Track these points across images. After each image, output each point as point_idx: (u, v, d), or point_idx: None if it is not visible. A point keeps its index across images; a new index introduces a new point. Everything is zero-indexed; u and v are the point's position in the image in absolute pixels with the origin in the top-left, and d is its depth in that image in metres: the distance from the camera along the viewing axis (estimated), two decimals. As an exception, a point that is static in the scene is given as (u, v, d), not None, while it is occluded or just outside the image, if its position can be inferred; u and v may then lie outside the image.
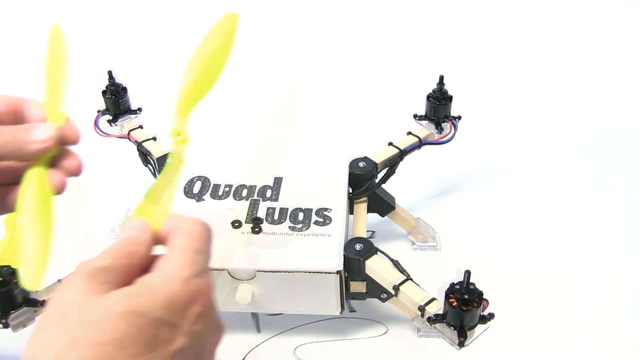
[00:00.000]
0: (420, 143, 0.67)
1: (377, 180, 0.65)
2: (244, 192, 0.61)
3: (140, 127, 0.70)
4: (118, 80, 0.70)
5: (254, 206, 0.60)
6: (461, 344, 0.48)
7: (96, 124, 0.69)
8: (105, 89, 0.69)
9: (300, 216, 0.58)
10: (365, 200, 0.65)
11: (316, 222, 0.58)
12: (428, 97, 0.67)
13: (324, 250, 0.55)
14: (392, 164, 0.66)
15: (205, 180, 0.63)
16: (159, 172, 0.65)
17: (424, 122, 0.68)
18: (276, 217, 0.58)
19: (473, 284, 0.47)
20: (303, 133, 0.92)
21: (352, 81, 1.04)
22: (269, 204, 0.60)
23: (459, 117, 0.68)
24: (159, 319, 0.30)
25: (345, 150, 0.77)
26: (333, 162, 0.64)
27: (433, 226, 0.72)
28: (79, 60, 1.17)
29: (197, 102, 0.40)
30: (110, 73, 0.69)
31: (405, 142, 0.66)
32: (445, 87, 0.66)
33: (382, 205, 0.68)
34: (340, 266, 0.53)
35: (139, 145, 0.68)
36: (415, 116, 0.68)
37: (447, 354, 0.59)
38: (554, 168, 0.84)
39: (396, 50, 1.12)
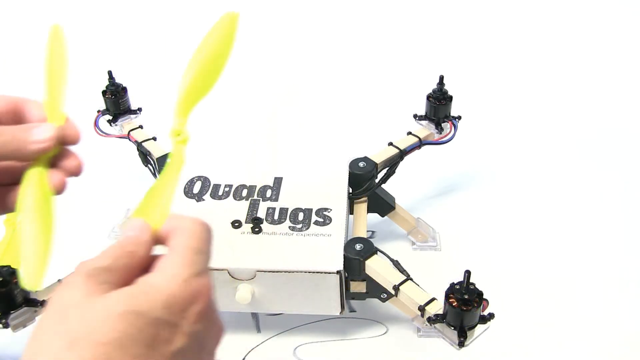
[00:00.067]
0: (420, 143, 0.67)
1: (377, 180, 0.65)
2: (244, 192, 0.61)
3: (140, 127, 0.70)
4: (118, 80, 0.70)
5: (254, 206, 0.60)
6: (461, 344, 0.48)
7: (96, 124, 0.69)
8: (105, 89, 0.69)
9: (300, 216, 0.58)
10: (365, 200, 0.65)
11: (316, 222, 0.58)
12: (428, 97, 0.67)
13: (324, 251, 0.55)
14: (392, 164, 0.66)
15: (205, 180, 0.63)
16: (159, 172, 0.65)
17: (424, 122, 0.68)
18: (276, 217, 0.58)
19: (473, 284, 0.47)
20: (303, 133, 0.92)
21: (352, 81, 1.04)
22: (269, 204, 0.60)
23: (459, 117, 0.68)
24: (159, 319, 0.30)
25: (345, 150, 0.77)
26: (333, 162, 0.64)
27: (433, 226, 0.72)
28: (79, 60, 1.17)
29: (197, 102, 0.40)
30: (110, 73, 0.69)
31: (405, 142, 0.66)
32: (445, 87, 0.66)
33: (382, 205, 0.67)
34: (340, 266, 0.53)
35: (139, 145, 0.68)
36: (415, 116, 0.68)
37: (447, 354, 0.59)
38: (554, 168, 0.83)
39: (396, 50, 1.12)
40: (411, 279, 0.54)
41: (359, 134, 0.89)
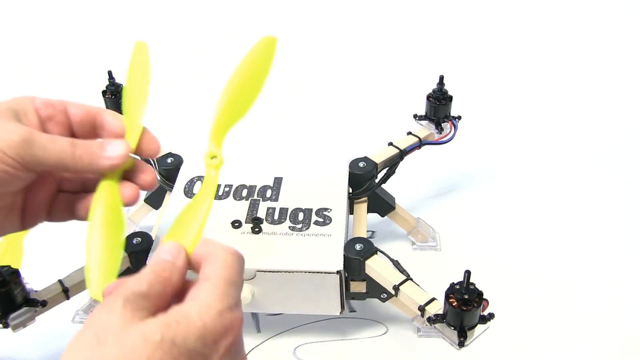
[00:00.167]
0: (420, 143, 0.67)
1: (377, 180, 0.65)
2: (244, 192, 0.61)
3: (140, 127, 0.70)
4: (118, 80, 0.70)
5: (254, 206, 0.60)
6: (461, 344, 0.48)
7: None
8: (105, 89, 0.69)
9: (300, 216, 0.58)
10: (365, 200, 0.65)
11: (316, 222, 0.58)
12: (428, 97, 0.67)
13: (324, 250, 0.55)
14: (392, 164, 0.66)
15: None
16: (159, 172, 0.65)
17: (424, 122, 0.68)
18: (276, 217, 0.58)
19: (473, 284, 0.47)
20: (303, 133, 0.92)
21: (352, 81, 1.04)
22: (269, 204, 0.60)
23: (459, 117, 0.68)
24: (192, 350, 0.30)
25: (345, 150, 0.77)
26: (333, 162, 0.64)
27: (433, 226, 0.72)
28: (79, 60, 1.17)
29: (233, 125, 0.40)
30: (110, 73, 0.69)
31: (405, 142, 0.66)
32: (445, 87, 0.66)
33: (382, 205, 0.68)
34: (340, 266, 0.53)
35: (139, 145, 0.67)
36: (415, 116, 0.68)
37: (447, 354, 0.59)
38: (554, 168, 0.83)
39: (396, 50, 1.12)
40: (411, 279, 0.54)
41: (359, 134, 0.89)
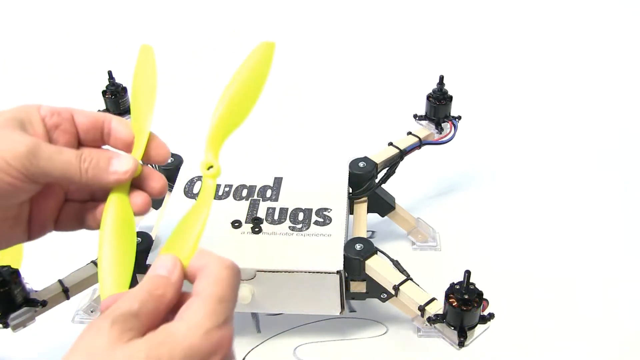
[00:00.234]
0: (420, 143, 0.67)
1: (377, 180, 0.65)
2: (244, 192, 0.61)
3: (140, 127, 0.70)
4: (118, 80, 0.70)
5: (254, 206, 0.60)
6: (461, 344, 0.48)
7: (96, 124, 0.69)
8: (105, 89, 0.69)
9: (300, 216, 0.58)
10: (365, 200, 0.65)
11: (316, 222, 0.58)
12: (428, 97, 0.67)
13: (324, 250, 0.55)
14: (392, 164, 0.66)
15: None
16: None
17: (424, 122, 0.68)
18: (276, 217, 0.58)
19: (473, 284, 0.47)
20: (303, 133, 0.92)
21: (352, 81, 1.04)
22: (269, 204, 0.60)
23: (459, 117, 0.68)
24: None
25: (345, 150, 0.77)
26: (333, 162, 0.64)
27: (433, 226, 0.72)
28: (79, 60, 1.17)
29: (230, 134, 0.39)
30: (110, 73, 0.69)
31: (405, 142, 0.66)
32: (445, 87, 0.66)
33: (382, 205, 0.68)
34: (340, 266, 0.53)
35: (139, 145, 0.68)
36: (415, 116, 0.68)
37: (447, 354, 0.59)
38: (554, 168, 0.84)
39: (396, 50, 1.12)
40: (411, 279, 0.54)
41: (359, 134, 0.89)
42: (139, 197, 0.41)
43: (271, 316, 0.64)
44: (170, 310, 0.33)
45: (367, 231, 0.64)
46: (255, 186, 0.62)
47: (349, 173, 0.63)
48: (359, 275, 0.56)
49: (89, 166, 0.38)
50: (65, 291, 0.54)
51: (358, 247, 0.55)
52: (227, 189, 0.62)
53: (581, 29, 1.15)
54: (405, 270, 0.56)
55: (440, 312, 0.50)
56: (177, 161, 0.65)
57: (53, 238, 0.43)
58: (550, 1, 1.22)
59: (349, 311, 0.65)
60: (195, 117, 0.91)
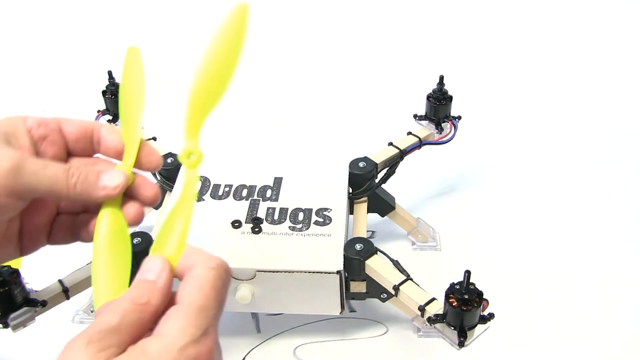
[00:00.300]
0: (420, 143, 0.67)
1: (377, 180, 0.65)
2: (244, 192, 0.61)
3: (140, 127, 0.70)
4: (118, 80, 0.70)
5: (254, 206, 0.60)
6: (461, 344, 0.48)
7: (96, 124, 0.69)
8: (105, 89, 0.69)
9: (300, 216, 0.58)
10: (365, 200, 0.65)
11: (316, 222, 0.58)
12: (428, 97, 0.67)
13: (324, 250, 0.55)
14: (392, 164, 0.66)
15: (205, 180, 0.63)
16: (159, 173, 0.65)
17: (424, 122, 0.68)
18: (276, 217, 0.58)
19: (473, 284, 0.47)
20: (303, 133, 0.92)
21: (352, 81, 1.04)
22: (269, 204, 0.60)
23: (459, 117, 0.68)
24: None
25: (345, 150, 0.77)
26: (333, 162, 0.64)
27: (433, 226, 0.72)
28: (79, 60, 1.17)
29: (208, 115, 0.36)
30: (110, 73, 0.69)
31: (405, 142, 0.66)
32: (445, 87, 0.66)
33: (382, 205, 0.67)
34: (340, 266, 0.53)
35: (139, 145, 0.67)
36: (415, 116, 0.68)
37: (447, 354, 0.59)
38: (554, 168, 0.84)
39: (396, 50, 1.12)
40: (411, 279, 0.54)
41: (359, 134, 0.89)
42: (132, 208, 0.39)
43: (271, 316, 0.64)
44: (159, 315, 0.31)
45: (367, 231, 0.64)
46: (255, 186, 0.62)
47: (349, 173, 0.63)
48: (359, 275, 0.56)
49: (77, 181, 0.37)
50: (65, 291, 0.53)
51: (358, 247, 0.55)
52: (227, 189, 0.62)
53: (581, 29, 1.15)
54: (405, 270, 0.56)
55: (440, 312, 0.50)
56: (177, 161, 0.65)
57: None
58: (550, 1, 1.22)
59: (349, 311, 0.65)
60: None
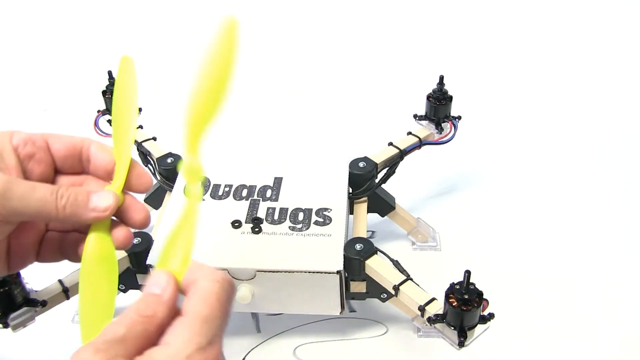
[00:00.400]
0: (421, 143, 0.67)
1: (377, 180, 0.65)
2: (244, 192, 0.61)
3: (140, 127, 0.70)
4: (118, 80, 0.70)
5: (254, 206, 0.60)
6: (461, 344, 0.48)
7: (96, 124, 0.69)
8: (105, 89, 0.69)
9: (300, 216, 0.58)
10: (365, 200, 0.65)
11: (316, 222, 0.58)
12: (428, 97, 0.67)
13: (324, 250, 0.55)
14: (392, 164, 0.66)
15: (205, 180, 0.63)
16: (159, 173, 0.65)
17: (424, 122, 0.68)
18: (276, 217, 0.58)
19: (473, 284, 0.47)
20: (303, 133, 0.92)
21: (352, 81, 1.04)
22: (269, 204, 0.60)
23: (459, 117, 0.68)
24: None
25: (345, 150, 0.77)
26: (333, 162, 0.64)
27: (433, 226, 0.72)
28: (79, 60, 1.17)
29: (207, 128, 0.36)
30: (110, 73, 0.69)
31: (405, 142, 0.66)
32: (445, 87, 0.66)
33: (382, 205, 0.68)
34: (340, 266, 0.53)
35: (139, 145, 0.68)
36: (415, 116, 0.68)
37: (447, 354, 0.59)
38: (554, 168, 0.84)
39: (396, 50, 1.12)
40: (411, 279, 0.54)
41: (359, 134, 0.89)
42: (121, 232, 0.39)
43: (271, 316, 0.64)
44: (164, 328, 0.31)
45: (367, 231, 0.64)
46: (255, 186, 0.62)
47: (349, 173, 0.63)
48: (359, 275, 0.56)
49: (67, 203, 0.36)
50: (65, 291, 0.53)
51: (358, 247, 0.55)
52: (227, 189, 0.62)
53: (581, 29, 1.15)
54: (405, 270, 0.56)
55: (440, 312, 0.50)
56: (177, 161, 0.65)
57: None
58: (550, 1, 1.22)
59: (349, 311, 0.65)
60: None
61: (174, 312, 0.32)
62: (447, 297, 0.48)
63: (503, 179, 0.82)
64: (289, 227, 0.57)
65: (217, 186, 0.62)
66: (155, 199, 0.67)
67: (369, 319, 0.64)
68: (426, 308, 0.51)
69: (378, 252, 0.56)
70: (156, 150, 0.66)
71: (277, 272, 0.53)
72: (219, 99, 0.35)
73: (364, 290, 0.58)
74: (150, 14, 1.25)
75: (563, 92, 0.99)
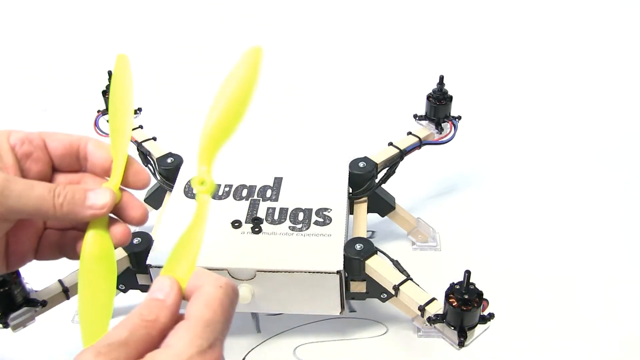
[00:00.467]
0: (421, 143, 0.67)
1: (377, 180, 0.65)
2: (244, 192, 0.61)
3: (140, 127, 0.70)
4: (118, 80, 0.70)
5: (254, 206, 0.60)
6: (461, 344, 0.48)
7: (96, 124, 0.69)
8: (105, 89, 0.69)
9: (300, 216, 0.58)
10: (365, 200, 0.65)
11: (316, 222, 0.58)
12: (428, 97, 0.67)
13: (324, 250, 0.55)
14: (392, 164, 0.66)
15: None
16: (159, 173, 0.65)
17: (424, 122, 0.68)
18: (276, 217, 0.58)
19: (473, 284, 0.47)
20: (303, 133, 0.92)
21: (352, 81, 1.04)
22: (269, 204, 0.60)
23: (459, 117, 0.68)
24: None
25: (345, 150, 0.77)
26: (333, 162, 0.64)
27: (433, 226, 0.72)
28: (79, 60, 1.17)
29: (221, 145, 0.37)
30: (110, 73, 0.69)
31: (405, 142, 0.66)
32: (445, 87, 0.66)
33: (382, 205, 0.68)
34: (340, 266, 0.53)
35: (139, 146, 0.68)
36: (415, 116, 0.68)
37: (447, 354, 0.59)
38: (554, 168, 0.84)
39: (396, 50, 1.12)
40: (411, 279, 0.54)
41: (359, 134, 0.89)
42: (119, 229, 0.39)
43: (271, 316, 0.64)
44: (166, 333, 0.32)
45: (367, 231, 0.64)
46: (255, 186, 0.62)
47: (349, 173, 0.63)
48: (359, 275, 0.56)
49: (64, 201, 0.36)
50: (65, 291, 0.53)
51: (358, 247, 0.55)
52: (227, 189, 0.62)
53: (581, 29, 1.15)
54: (405, 270, 0.56)
55: (440, 312, 0.50)
56: (177, 161, 0.65)
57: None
58: (550, 1, 1.22)
59: (349, 311, 0.65)
60: (195, 116, 0.91)
61: (177, 318, 0.32)
62: (447, 297, 0.48)
63: (503, 179, 0.82)
64: (289, 227, 0.57)
65: (217, 186, 0.62)
66: (155, 199, 0.67)
67: (369, 319, 0.64)
68: (426, 308, 0.51)
69: (378, 252, 0.56)
70: (156, 150, 0.66)
71: (277, 272, 0.53)
72: (236, 121, 0.37)
73: (364, 290, 0.58)
74: (150, 14, 1.25)
75: (563, 92, 0.99)
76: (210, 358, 0.31)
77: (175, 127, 0.86)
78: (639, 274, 0.68)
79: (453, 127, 0.67)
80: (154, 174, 0.66)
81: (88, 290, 0.37)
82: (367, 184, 0.64)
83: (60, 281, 0.54)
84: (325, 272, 0.53)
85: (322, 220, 0.58)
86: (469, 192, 0.80)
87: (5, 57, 1.14)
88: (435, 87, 0.66)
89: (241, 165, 0.65)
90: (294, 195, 0.61)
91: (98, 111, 0.71)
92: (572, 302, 0.65)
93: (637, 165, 0.83)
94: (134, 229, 0.71)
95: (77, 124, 0.71)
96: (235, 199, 0.61)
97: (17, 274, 0.50)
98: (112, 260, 0.38)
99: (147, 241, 0.56)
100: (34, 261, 0.58)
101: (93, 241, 0.38)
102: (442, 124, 0.67)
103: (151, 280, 0.56)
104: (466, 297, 0.47)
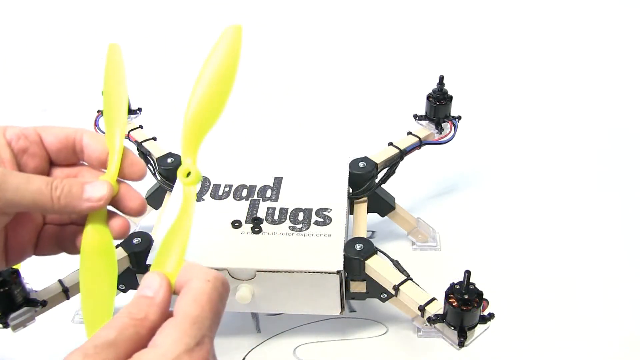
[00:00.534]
0: (421, 143, 0.67)
1: (377, 180, 0.65)
2: (244, 192, 0.61)
3: (140, 127, 0.70)
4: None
5: (254, 206, 0.60)
6: (461, 344, 0.48)
7: (96, 124, 0.69)
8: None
9: (300, 216, 0.58)
10: (365, 200, 0.65)
11: (316, 222, 0.58)
12: (428, 97, 0.67)
13: (324, 250, 0.55)
14: (392, 164, 0.66)
15: (205, 180, 0.63)
16: (159, 173, 0.65)
17: (424, 122, 0.68)
18: (276, 217, 0.58)
19: (473, 284, 0.47)
20: (303, 133, 0.92)
21: (352, 81, 1.04)
22: (269, 204, 0.60)
23: (459, 117, 0.68)
24: None
25: (345, 150, 0.77)
26: (333, 162, 0.64)
27: (433, 226, 0.72)
28: (79, 60, 1.17)
29: (205, 133, 0.37)
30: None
31: (405, 142, 0.66)
32: (445, 87, 0.66)
33: (382, 205, 0.68)
34: (340, 266, 0.53)
35: (139, 145, 0.68)
36: (415, 116, 0.68)
37: (447, 354, 0.59)
38: (554, 168, 0.84)
39: (396, 50, 1.12)
40: (411, 279, 0.54)
41: (359, 134, 0.89)
42: (117, 221, 0.39)
43: (271, 316, 0.64)
44: (156, 331, 0.31)
45: (367, 231, 0.64)
46: (255, 186, 0.62)
47: (349, 173, 0.63)
48: (359, 275, 0.56)
49: (61, 194, 0.36)
50: (65, 291, 0.53)
51: (358, 247, 0.55)
52: (227, 189, 0.62)
53: (581, 29, 1.15)
54: (405, 270, 0.56)
55: (440, 312, 0.50)
56: (177, 161, 0.65)
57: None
58: (550, 1, 1.22)
59: (349, 311, 0.65)
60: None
61: (167, 315, 0.32)
62: (447, 297, 0.48)
63: (503, 179, 0.82)
64: (289, 227, 0.57)
65: (217, 186, 0.62)
66: (155, 199, 0.67)
67: (369, 319, 0.64)
68: (426, 308, 0.51)
69: (378, 252, 0.56)
70: (156, 150, 0.66)
71: (277, 272, 0.53)
72: (219, 105, 0.36)
73: (364, 290, 0.58)
74: (150, 14, 1.25)
75: (563, 92, 0.99)
76: (198, 356, 0.30)
77: (175, 127, 0.86)
78: (639, 274, 0.68)
79: (453, 127, 0.67)
80: (154, 174, 0.66)
81: (89, 284, 0.37)
82: (367, 184, 0.64)
83: (60, 281, 0.54)
84: (325, 272, 0.53)
85: (322, 220, 0.58)
86: (469, 192, 0.80)
87: (5, 57, 1.14)
88: (435, 87, 0.66)
89: (241, 165, 0.65)
90: (294, 195, 0.61)
91: (98, 111, 0.71)
92: (572, 302, 0.65)
93: (637, 166, 0.83)
94: (133, 227, 0.71)
95: (77, 124, 0.71)
96: (235, 199, 0.61)
97: (17, 273, 0.50)
98: (112, 253, 0.38)
99: (147, 241, 0.56)
100: (34, 261, 0.58)
101: (92, 234, 0.38)
102: (442, 124, 0.67)
103: (151, 280, 0.56)
104: (466, 297, 0.47)
